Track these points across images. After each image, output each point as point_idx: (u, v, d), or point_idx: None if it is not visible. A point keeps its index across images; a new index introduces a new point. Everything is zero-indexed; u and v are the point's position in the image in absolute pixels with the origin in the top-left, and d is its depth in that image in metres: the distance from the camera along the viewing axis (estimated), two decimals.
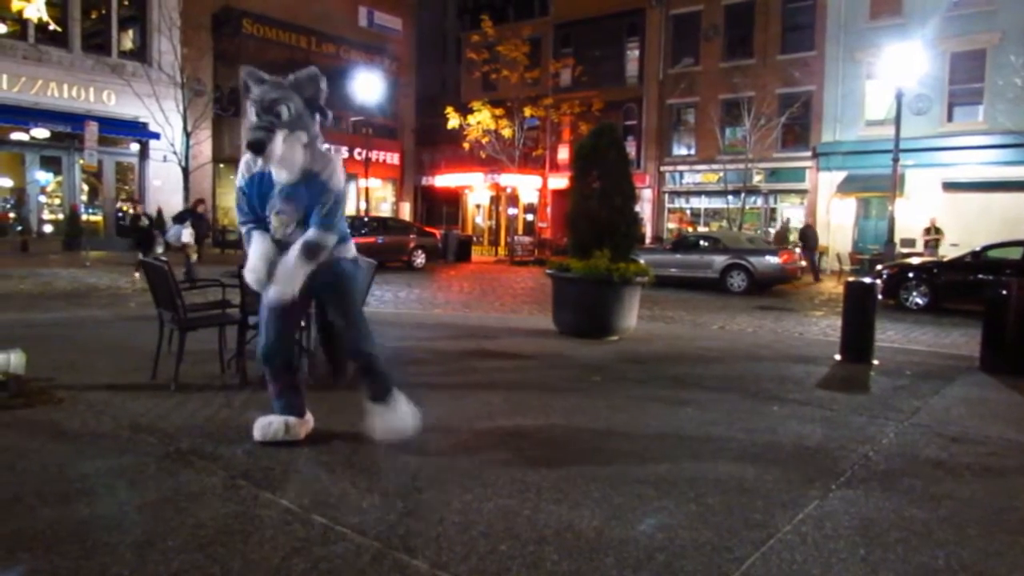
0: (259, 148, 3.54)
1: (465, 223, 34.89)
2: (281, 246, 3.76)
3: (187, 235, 13.34)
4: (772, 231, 25.23)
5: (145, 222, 15.71)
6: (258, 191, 3.78)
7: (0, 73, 19.93)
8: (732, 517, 3.18)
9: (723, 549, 2.87)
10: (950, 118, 22.43)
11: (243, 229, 3.90)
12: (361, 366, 3.96)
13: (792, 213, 26.55)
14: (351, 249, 3.99)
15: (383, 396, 3.92)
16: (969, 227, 19.97)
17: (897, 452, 4.24)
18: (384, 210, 31.16)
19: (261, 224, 3.83)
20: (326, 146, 3.94)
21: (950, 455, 4.22)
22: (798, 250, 18.98)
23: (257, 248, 3.75)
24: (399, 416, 3.92)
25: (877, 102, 23.17)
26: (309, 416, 4.07)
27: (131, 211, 16.27)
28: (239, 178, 3.88)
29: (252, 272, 3.75)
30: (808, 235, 20.88)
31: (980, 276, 12.35)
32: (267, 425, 3.88)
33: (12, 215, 21.50)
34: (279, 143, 3.57)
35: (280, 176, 3.70)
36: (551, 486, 3.46)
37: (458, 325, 9.31)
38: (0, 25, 20.33)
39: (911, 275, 13.49)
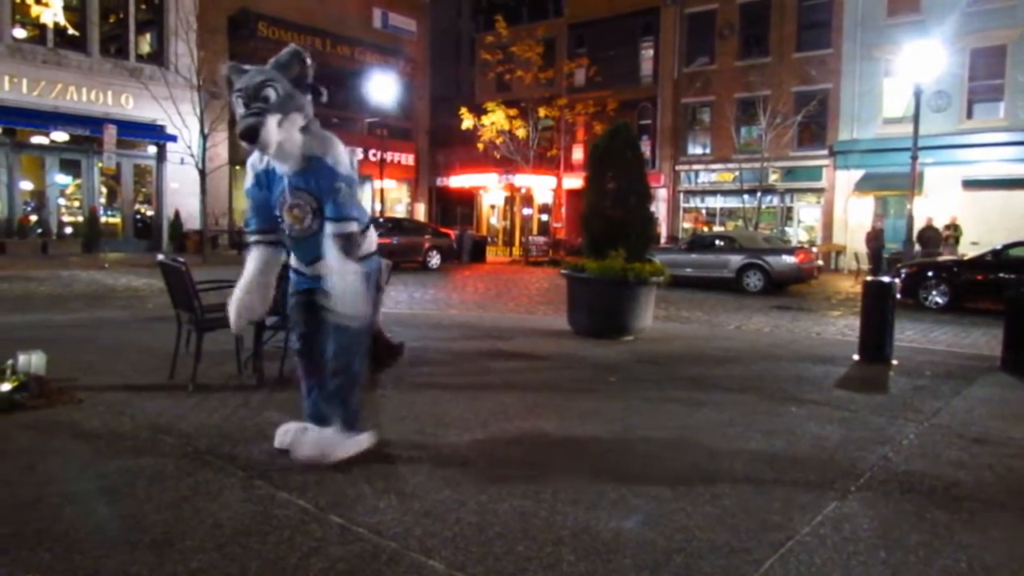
0: (251, 135, 3.26)
1: (480, 224, 34.92)
2: (299, 242, 3.62)
3: None
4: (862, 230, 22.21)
5: None
6: (268, 188, 3.60)
7: (20, 77, 20.17)
8: (750, 519, 3.16)
9: (741, 551, 2.85)
10: (970, 115, 22.18)
11: (249, 240, 3.76)
12: (337, 383, 3.65)
13: (809, 212, 26.36)
14: (373, 242, 3.77)
15: (346, 426, 3.67)
16: (989, 225, 19.74)
17: (918, 453, 4.20)
18: (399, 211, 31.27)
19: (268, 235, 3.70)
20: (326, 132, 3.62)
21: (972, 456, 4.17)
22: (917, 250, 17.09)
23: (246, 275, 3.67)
24: (335, 441, 3.64)
25: (895, 100, 22.94)
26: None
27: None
28: (247, 182, 3.72)
29: (234, 304, 3.63)
30: (928, 237, 18.37)
31: (1001, 275, 12.19)
32: (284, 434, 3.81)
33: (33, 218, 21.75)
34: (273, 128, 3.29)
35: (283, 167, 3.49)
36: (567, 487, 3.45)
37: (473, 325, 9.31)
38: (20, 30, 20.58)
39: (930, 274, 13.35)
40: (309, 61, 3.51)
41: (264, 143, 3.31)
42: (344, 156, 3.52)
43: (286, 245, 3.76)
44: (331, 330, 3.59)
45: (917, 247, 18.09)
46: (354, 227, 3.51)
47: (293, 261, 3.81)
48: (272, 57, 3.51)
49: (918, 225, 18.60)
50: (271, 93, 3.34)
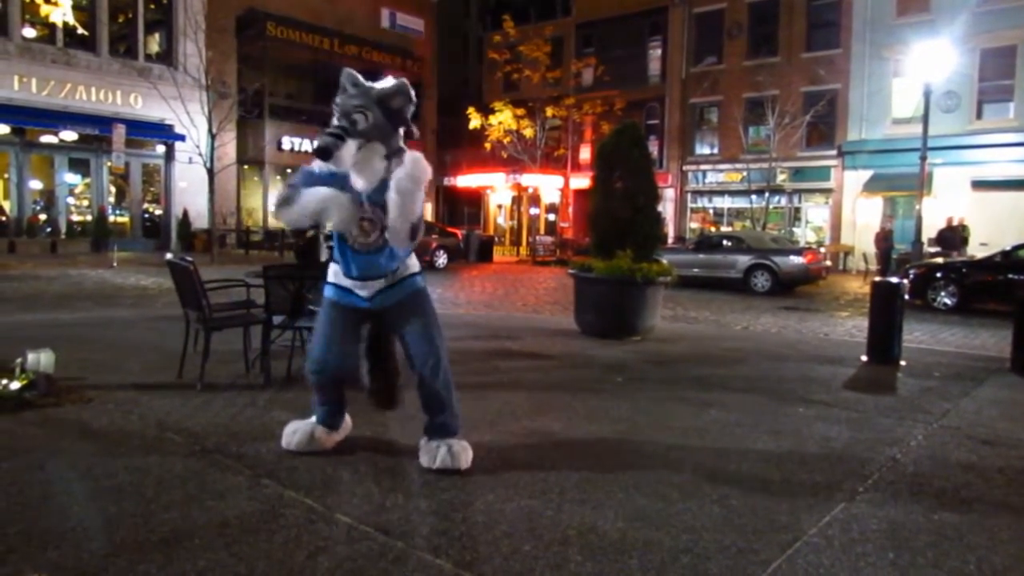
0: (325, 155, 3.35)
1: (487, 223, 34.94)
2: (360, 256, 3.55)
3: None
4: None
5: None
6: (338, 187, 3.52)
7: (30, 77, 20.29)
8: (757, 519, 3.15)
9: (748, 552, 2.84)
10: (979, 115, 22.06)
11: (289, 191, 3.56)
12: (431, 395, 3.69)
13: (817, 213, 26.27)
14: (416, 263, 3.78)
15: (448, 432, 3.71)
16: (999, 226, 19.63)
17: (926, 455, 4.18)
18: None
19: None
20: (411, 158, 3.54)
21: (981, 458, 4.14)
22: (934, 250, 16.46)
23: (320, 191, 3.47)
24: (457, 453, 3.63)
25: (904, 100, 22.83)
26: (348, 423, 3.99)
27: None
28: (316, 166, 3.59)
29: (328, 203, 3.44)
30: (948, 238, 17.68)
31: (1010, 276, 12.13)
32: (292, 433, 3.82)
33: (42, 217, 21.87)
34: (348, 151, 3.36)
35: (358, 184, 3.49)
36: (574, 487, 3.45)
37: (480, 325, 9.31)
38: (30, 30, 20.69)
39: (939, 275, 13.28)
40: (413, 97, 3.57)
41: (336, 162, 3.39)
42: (421, 175, 3.43)
43: (341, 259, 3.66)
44: (412, 341, 3.65)
45: (934, 247, 17.92)
46: (411, 227, 3.46)
47: (341, 279, 3.67)
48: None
49: (929, 225, 18.43)
50: (359, 118, 3.42)
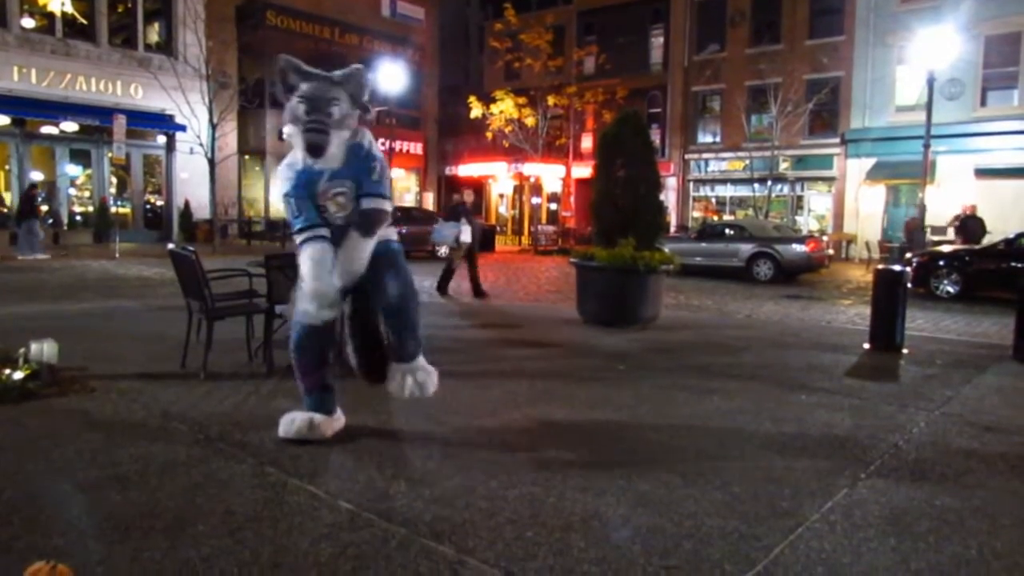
0: (318, 151, 3.50)
1: (488, 213, 34.88)
2: (342, 229, 3.67)
3: (467, 233, 11.29)
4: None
5: None
6: (306, 188, 3.66)
7: (30, 68, 20.22)
8: (759, 505, 3.16)
9: (751, 537, 2.85)
10: (984, 103, 21.93)
11: (297, 239, 3.71)
12: (400, 315, 3.79)
13: (820, 201, 26.20)
14: (393, 233, 3.93)
15: (412, 355, 3.81)
16: (1003, 214, 19.53)
17: (928, 441, 4.18)
18: (408, 200, 31.24)
19: (319, 229, 3.67)
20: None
21: (983, 444, 4.15)
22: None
23: (315, 268, 3.58)
24: (423, 381, 3.79)
25: (908, 87, 22.70)
26: (340, 414, 4.00)
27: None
28: (284, 185, 3.74)
29: (319, 297, 3.61)
30: (970, 227, 17.12)
31: (1013, 264, 12.10)
32: (290, 423, 3.82)
33: (44, 208, 21.84)
34: (335, 144, 3.54)
35: (324, 164, 3.64)
36: (576, 474, 3.46)
37: (483, 314, 9.32)
38: (28, 20, 20.61)
39: (942, 263, 13.25)
40: (367, 81, 3.72)
41: (326, 158, 3.56)
42: (374, 141, 3.75)
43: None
44: (382, 278, 3.76)
45: (958, 236, 17.74)
46: (387, 206, 3.73)
47: None
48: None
49: (934, 213, 18.19)
50: (335, 110, 3.56)
